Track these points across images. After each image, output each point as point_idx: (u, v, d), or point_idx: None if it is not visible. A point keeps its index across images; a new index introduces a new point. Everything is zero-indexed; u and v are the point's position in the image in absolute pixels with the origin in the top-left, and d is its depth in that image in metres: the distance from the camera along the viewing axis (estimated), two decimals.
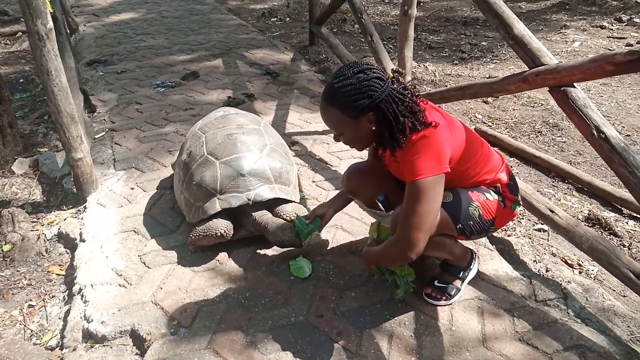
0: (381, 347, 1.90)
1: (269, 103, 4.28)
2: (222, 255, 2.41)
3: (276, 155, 2.50)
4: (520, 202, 2.06)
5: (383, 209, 2.11)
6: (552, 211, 2.31)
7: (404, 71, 3.41)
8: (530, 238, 2.65)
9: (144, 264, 2.37)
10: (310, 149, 3.44)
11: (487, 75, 5.27)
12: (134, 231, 2.60)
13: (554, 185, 3.31)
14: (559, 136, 4.00)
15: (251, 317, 2.05)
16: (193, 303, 2.12)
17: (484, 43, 6.45)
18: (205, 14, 7.77)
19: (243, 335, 1.96)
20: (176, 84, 4.74)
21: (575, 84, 2.05)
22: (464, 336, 1.94)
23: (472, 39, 6.66)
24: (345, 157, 3.34)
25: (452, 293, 2.09)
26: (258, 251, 2.44)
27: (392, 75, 1.73)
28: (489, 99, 4.71)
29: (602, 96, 4.77)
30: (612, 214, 2.96)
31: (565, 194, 3.19)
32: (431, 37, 6.79)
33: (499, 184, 1.99)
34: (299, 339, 1.94)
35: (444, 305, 2.08)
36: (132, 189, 2.98)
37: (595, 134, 1.92)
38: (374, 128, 1.72)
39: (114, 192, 2.95)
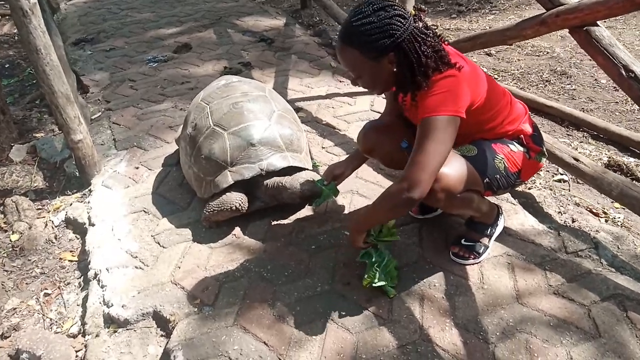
0: (413, 310, 1.85)
1: (267, 70, 4.13)
2: (238, 230, 2.33)
3: (285, 122, 2.40)
4: (546, 153, 1.97)
5: (408, 154, 2.00)
6: (576, 159, 2.23)
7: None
8: (551, 189, 2.58)
9: (159, 244, 2.30)
10: (316, 114, 3.33)
11: (488, 27, 5.10)
12: (144, 211, 2.52)
13: (568, 135, 3.22)
14: (568, 84, 3.88)
15: (275, 290, 1.98)
16: (214, 280, 2.06)
17: None
18: None
19: (269, 309, 1.90)
20: (169, 57, 4.57)
21: (598, 22, 1.93)
22: (497, 294, 1.89)
23: None
24: (352, 120, 3.23)
25: (481, 251, 2.03)
26: (274, 222, 2.36)
27: (414, 12, 1.61)
28: (492, 51, 4.57)
29: None
30: (632, 159, 2.88)
31: (581, 142, 3.11)
32: None
33: (522, 135, 1.90)
34: (328, 308, 1.88)
35: (473, 264, 2.03)
36: (137, 168, 2.87)
37: (624, 73, 1.82)
38: (395, 70, 1.61)
39: (118, 173, 2.85)
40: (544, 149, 1.95)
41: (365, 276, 1.88)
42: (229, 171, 2.25)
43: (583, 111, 3.44)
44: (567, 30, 2.05)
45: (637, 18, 5.05)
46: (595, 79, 3.88)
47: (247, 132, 2.26)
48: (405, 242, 2.16)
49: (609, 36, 1.90)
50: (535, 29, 2.15)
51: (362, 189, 2.55)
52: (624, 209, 2.47)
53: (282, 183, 2.20)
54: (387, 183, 2.57)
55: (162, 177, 2.76)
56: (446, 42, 1.63)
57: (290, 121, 2.45)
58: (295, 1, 6.16)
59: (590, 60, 4.28)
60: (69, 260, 2.43)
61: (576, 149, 3.01)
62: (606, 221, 2.36)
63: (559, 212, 2.35)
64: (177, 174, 2.76)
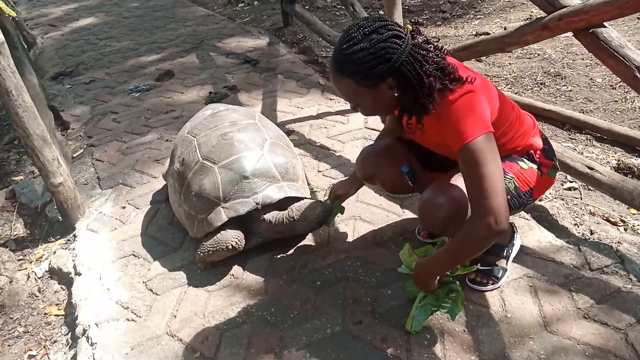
0: (434, 349, 1.69)
1: (254, 93, 4.00)
2: (237, 269, 2.17)
3: (278, 150, 2.25)
4: (558, 166, 1.84)
5: (409, 181, 1.86)
6: (591, 168, 2.10)
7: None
8: (563, 199, 2.45)
9: (151, 291, 2.12)
10: (309, 136, 3.18)
11: (474, 33, 5.02)
12: (134, 255, 2.35)
13: (571, 138, 3.10)
14: (563, 85, 3.78)
15: (282, 335, 1.82)
16: (214, 328, 1.89)
17: (463, 0, 6.18)
18: (168, 9, 7.36)
19: (276, 358, 1.73)
20: (151, 86, 4.42)
21: (604, 24, 1.82)
22: (522, 322, 1.74)
23: None
24: (347, 139, 3.09)
25: (499, 275, 1.88)
26: (275, 257, 2.20)
27: (410, 28, 1.48)
28: (483, 57, 4.47)
29: None
30: None
31: (586, 145, 2.99)
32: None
33: (531, 150, 1.76)
34: (341, 352, 1.72)
35: (492, 290, 1.88)
36: (124, 207, 2.70)
37: (639, 75, 1.70)
38: (395, 94, 1.47)
39: (104, 215, 2.68)
40: (556, 163, 1.82)
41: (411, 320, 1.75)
42: (222, 207, 2.09)
43: (583, 112, 3.33)
44: (572, 33, 1.93)
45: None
46: (591, 79, 3.79)
47: (239, 165, 2.11)
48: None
49: (618, 37, 1.78)
50: (537, 34, 2.03)
51: (365, 213, 2.40)
52: None
53: (291, 217, 2.06)
54: (390, 206, 2.42)
55: (151, 215, 2.60)
56: (449, 54, 1.48)
57: (284, 148, 2.30)
58: (277, 19, 6.05)
59: (582, 59, 4.23)
60: (54, 315, 2.25)
61: (582, 153, 2.89)
62: (625, 230, 2.22)
63: (575, 224, 2.21)
64: (166, 212, 2.59)
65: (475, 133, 1.41)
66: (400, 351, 1.70)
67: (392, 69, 1.40)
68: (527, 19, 5.08)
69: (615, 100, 3.45)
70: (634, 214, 2.35)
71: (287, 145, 2.38)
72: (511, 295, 1.85)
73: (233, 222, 2.09)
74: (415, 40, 1.44)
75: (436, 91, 1.41)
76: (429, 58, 1.42)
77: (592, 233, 2.13)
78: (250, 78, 4.31)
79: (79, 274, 2.30)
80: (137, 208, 2.68)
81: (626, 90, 3.53)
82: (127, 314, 2.02)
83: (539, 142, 1.77)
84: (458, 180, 1.63)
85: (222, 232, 2.07)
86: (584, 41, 1.87)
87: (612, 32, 1.80)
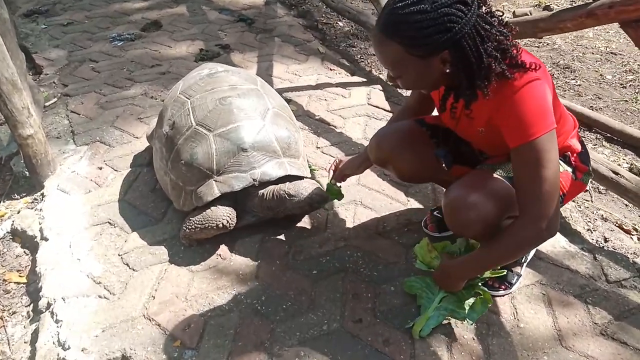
0: (441, 356, 1.54)
1: (248, 54, 3.71)
2: (224, 249, 1.97)
3: (281, 122, 2.03)
4: (592, 172, 1.68)
5: (446, 165, 1.68)
6: (616, 173, 1.96)
7: None
8: (574, 201, 2.31)
9: (128, 265, 1.91)
10: (307, 107, 2.96)
11: None
12: (109, 223, 2.12)
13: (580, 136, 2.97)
14: (572, 79, 3.64)
15: (273, 329, 1.65)
16: (197, 315, 1.70)
17: None
18: None
19: (266, 355, 1.56)
20: (136, 36, 4.07)
21: None
22: (536, 335, 1.61)
23: None
24: (348, 115, 2.87)
25: (513, 281, 1.74)
26: (267, 239, 2.01)
27: None
28: None
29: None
30: None
31: (595, 145, 2.86)
32: None
33: (569, 152, 1.60)
34: (338, 353, 1.56)
35: (504, 295, 1.74)
36: (100, 168, 2.45)
37: None
38: (447, 70, 1.27)
39: (77, 174, 2.42)
40: (590, 169, 1.66)
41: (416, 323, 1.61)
42: (215, 181, 1.87)
43: (592, 109, 3.20)
44: (618, 24, 1.75)
45: None
46: (601, 74, 3.65)
47: (237, 135, 1.88)
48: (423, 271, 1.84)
49: None
50: (579, 21, 1.84)
51: (367, 199, 2.22)
52: None
53: (284, 191, 1.86)
54: (394, 192, 2.25)
55: (131, 180, 2.35)
56: (514, 31, 1.27)
57: (287, 120, 2.08)
58: None
59: (592, 53, 4.08)
60: (15, 283, 2.02)
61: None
62: (639, 239, 2.11)
63: (588, 230, 2.09)
64: (148, 177, 2.35)
65: (542, 129, 1.24)
66: (403, 356, 1.55)
67: (452, 41, 1.19)
68: (536, 5, 4.89)
69: (626, 100, 3.33)
70: None
71: (290, 117, 2.16)
72: (524, 303, 1.72)
73: (225, 198, 1.88)
74: (481, 10, 1.23)
75: (494, 75, 1.21)
76: (491, 35, 1.21)
77: (606, 240, 2.01)
78: (244, 38, 4.01)
79: (46, 239, 2.07)
80: (115, 170, 2.43)
81: (637, 91, 3.41)
82: (99, 290, 1.81)
83: (577, 145, 1.61)
84: (489, 179, 1.46)
85: (212, 207, 1.86)
86: (634, 34, 1.69)
87: None
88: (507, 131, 1.30)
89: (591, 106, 3.27)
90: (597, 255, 1.90)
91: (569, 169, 1.59)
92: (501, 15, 1.27)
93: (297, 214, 2.01)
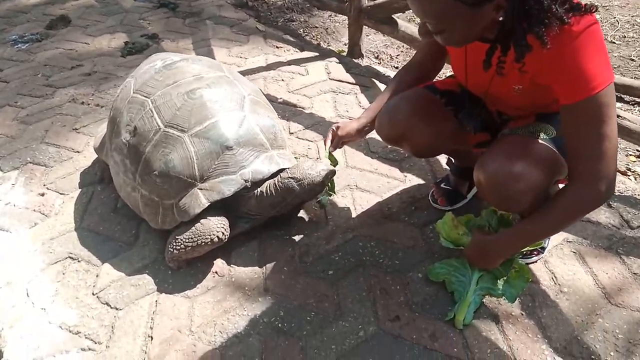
0: (496, 341, 1.41)
1: (182, 42, 3.34)
2: (220, 264, 1.70)
3: (261, 110, 1.77)
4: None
5: (473, 131, 1.50)
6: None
7: None
8: None
9: (108, 305, 1.59)
10: (266, 90, 2.68)
11: None
12: (71, 258, 1.76)
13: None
14: None
15: (303, 347, 1.43)
16: (210, 349, 1.44)
17: None
18: None
19: None
20: (42, 35, 3.54)
21: None
22: (582, 297, 1.51)
23: None
24: (313, 93, 2.64)
25: (545, 245, 1.64)
26: (265, 244, 1.77)
27: None
28: None
29: None
30: None
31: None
32: None
33: None
34: (385, 359, 1.38)
35: (537, 261, 1.63)
36: (42, 194, 2.05)
37: None
38: (500, 18, 1.09)
39: (14, 206, 2.01)
40: None
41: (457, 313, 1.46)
42: (200, 189, 1.58)
43: None
44: None
45: None
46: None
47: (218, 131, 1.60)
48: (445, 248, 1.69)
49: None
50: None
51: (361, 181, 2.02)
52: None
53: (289, 179, 1.62)
54: (388, 170, 2.07)
55: (84, 203, 1.99)
56: None
57: (266, 107, 1.82)
58: None
59: None
60: None
61: None
62: (636, 179, 2.10)
63: None
64: (105, 196, 2.00)
65: (605, 81, 1.09)
66: (457, 349, 1.39)
67: None
68: None
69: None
70: (634, 161, 2.25)
71: (266, 102, 1.90)
72: (559, 265, 1.62)
73: (214, 207, 1.60)
74: None
75: (554, 19, 1.04)
76: None
77: None
78: (171, 24, 3.61)
79: None
80: (61, 194, 2.04)
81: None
82: (80, 342, 1.49)
83: None
84: (530, 144, 1.31)
85: (201, 221, 1.58)
86: None
87: None
88: (563, 85, 1.14)
89: None
90: (610, 203, 1.85)
91: None
92: None
93: (300, 202, 1.77)
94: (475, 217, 1.59)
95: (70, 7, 4.03)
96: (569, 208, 1.23)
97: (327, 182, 1.69)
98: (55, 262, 1.75)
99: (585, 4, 1.09)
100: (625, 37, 3.29)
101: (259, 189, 1.65)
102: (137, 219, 1.85)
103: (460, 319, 1.44)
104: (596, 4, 3.74)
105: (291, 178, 1.61)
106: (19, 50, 3.37)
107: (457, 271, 1.54)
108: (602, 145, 1.13)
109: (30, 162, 2.23)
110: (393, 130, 1.53)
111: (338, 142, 1.65)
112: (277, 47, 3.20)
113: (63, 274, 1.71)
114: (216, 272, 1.68)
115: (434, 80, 1.66)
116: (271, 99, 2.59)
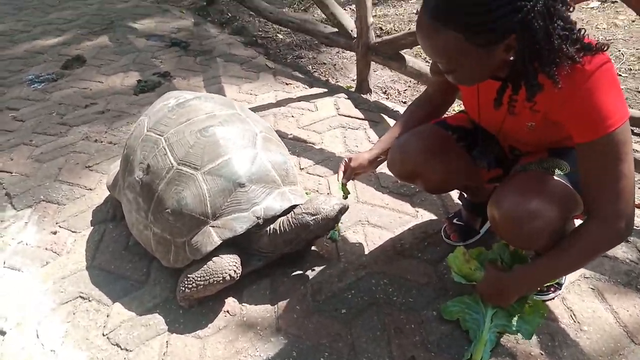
0: None
1: (193, 79, 3.40)
2: (231, 303, 1.68)
3: (273, 146, 1.78)
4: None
5: (487, 168, 1.52)
6: None
7: None
8: None
9: (119, 346, 1.57)
10: (276, 127, 2.71)
11: (414, 11, 4.80)
12: (82, 297, 1.75)
13: None
14: None
15: None
16: None
17: None
18: None
19: None
20: (58, 75, 3.63)
21: None
22: (604, 336, 1.47)
23: None
24: (322, 129, 2.66)
25: (562, 281, 1.61)
26: (276, 282, 1.75)
27: None
28: None
29: None
30: None
31: None
32: None
33: None
34: None
35: (554, 298, 1.60)
36: (55, 233, 2.06)
37: None
38: (511, 58, 1.09)
39: (26, 245, 2.01)
40: None
41: (473, 353, 1.42)
42: (212, 227, 1.58)
43: None
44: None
45: None
46: None
47: (230, 169, 1.61)
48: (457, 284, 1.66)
49: None
50: None
51: (372, 216, 2.01)
52: None
53: (303, 215, 1.61)
54: (400, 205, 2.06)
55: (96, 241, 1.99)
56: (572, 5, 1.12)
57: (277, 144, 1.84)
58: None
59: None
60: None
61: None
62: None
63: None
64: (117, 234, 2.00)
65: (620, 120, 1.09)
66: None
67: (523, 22, 1.00)
68: None
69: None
70: None
71: (278, 139, 1.91)
72: (577, 302, 1.58)
73: (226, 245, 1.60)
74: None
75: (565, 58, 1.05)
76: (558, 11, 1.04)
77: None
78: (183, 62, 3.69)
79: (3, 333, 1.67)
80: (73, 232, 2.05)
81: None
82: None
83: None
84: (546, 180, 1.30)
85: (213, 259, 1.57)
86: (636, 3, 1.63)
87: None
88: (578, 124, 1.14)
89: None
90: (628, 238, 1.81)
91: None
92: None
93: (314, 237, 1.76)
94: (486, 250, 1.57)
95: (85, 47, 4.14)
96: (587, 247, 1.21)
97: (340, 217, 1.68)
98: (66, 302, 1.74)
99: (597, 43, 1.10)
100: (631, 69, 3.32)
101: (271, 226, 1.64)
102: (148, 257, 1.85)
103: (477, 359, 1.40)
104: (600, 39, 3.78)
105: (305, 213, 1.60)
106: (35, 89, 3.45)
107: (470, 309, 1.51)
108: (620, 183, 1.13)
109: (44, 200, 2.25)
110: (405, 167, 1.53)
111: (351, 173, 1.65)
112: (286, 84, 3.25)
113: (74, 314, 1.69)
114: (228, 311, 1.66)
115: (445, 115, 1.67)
116: (281, 135, 2.62)
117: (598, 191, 1.17)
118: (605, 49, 1.09)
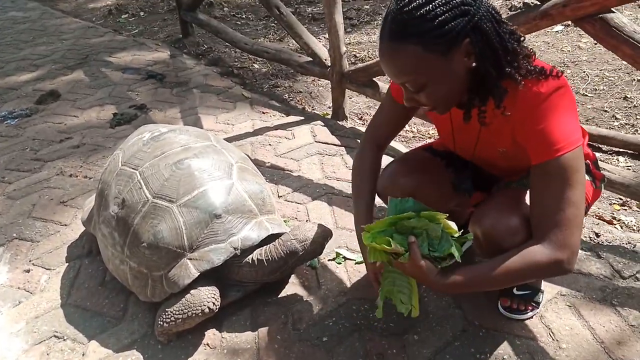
0: None
1: (170, 111, 3.41)
2: (211, 335, 1.66)
3: (249, 176, 1.79)
4: (605, 178, 1.61)
5: (468, 194, 1.55)
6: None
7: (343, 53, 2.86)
8: None
9: None
10: (254, 155, 2.73)
11: None
12: (56, 336, 1.71)
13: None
14: None
15: None
16: None
17: (366, 7, 6.12)
18: (35, 21, 6.31)
19: None
20: (32, 110, 3.60)
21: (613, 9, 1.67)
22: (582, 354, 1.49)
23: (352, 4, 6.29)
24: (300, 156, 2.69)
25: (540, 300, 1.63)
26: (256, 312, 1.73)
27: None
28: None
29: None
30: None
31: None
32: (310, 8, 6.27)
33: (587, 160, 1.49)
34: None
35: (532, 317, 1.61)
36: (28, 271, 2.01)
37: None
38: (473, 64, 1.12)
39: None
40: (604, 174, 1.61)
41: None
42: (189, 259, 1.57)
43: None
44: (570, 22, 1.76)
45: None
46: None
47: (206, 200, 1.61)
48: (439, 304, 1.68)
49: (629, 22, 1.64)
50: (533, 24, 1.84)
51: (352, 242, 2.02)
52: (625, 209, 2.28)
53: (291, 242, 1.63)
54: None
55: (71, 277, 1.95)
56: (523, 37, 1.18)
57: (254, 173, 1.85)
58: (173, 30, 5.45)
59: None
60: None
61: None
62: (621, 227, 2.13)
63: None
64: (93, 269, 1.97)
65: (571, 144, 1.12)
66: None
67: (472, 23, 1.06)
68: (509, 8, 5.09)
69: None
70: (618, 210, 2.29)
71: (254, 169, 1.92)
72: (554, 320, 1.60)
73: (204, 277, 1.58)
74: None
75: (522, 58, 1.11)
76: (502, 22, 1.12)
77: (597, 235, 1.99)
78: (159, 95, 3.70)
79: None
80: (47, 269, 2.01)
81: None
82: None
83: (590, 151, 1.53)
84: (523, 200, 1.34)
85: (191, 291, 1.55)
86: (591, 29, 1.71)
87: (623, 17, 1.66)
88: (532, 145, 1.18)
89: None
90: (600, 253, 1.86)
91: (589, 178, 1.50)
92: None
93: (299, 264, 1.75)
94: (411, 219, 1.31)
95: (60, 82, 4.13)
96: (525, 268, 1.19)
97: (326, 243, 1.70)
98: (39, 342, 1.69)
99: (550, 68, 1.15)
100: (596, 89, 3.44)
101: (251, 257, 1.64)
102: (126, 292, 1.81)
103: (416, 306, 1.37)
104: (565, 60, 3.93)
105: (294, 240, 1.62)
106: (8, 126, 3.41)
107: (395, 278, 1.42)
108: (567, 211, 1.13)
109: (16, 238, 2.21)
110: (396, 195, 1.53)
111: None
112: (263, 113, 3.29)
113: (47, 354, 1.64)
114: (208, 344, 1.63)
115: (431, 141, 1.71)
116: (259, 164, 2.63)
117: (543, 216, 1.17)
118: (559, 75, 1.14)
